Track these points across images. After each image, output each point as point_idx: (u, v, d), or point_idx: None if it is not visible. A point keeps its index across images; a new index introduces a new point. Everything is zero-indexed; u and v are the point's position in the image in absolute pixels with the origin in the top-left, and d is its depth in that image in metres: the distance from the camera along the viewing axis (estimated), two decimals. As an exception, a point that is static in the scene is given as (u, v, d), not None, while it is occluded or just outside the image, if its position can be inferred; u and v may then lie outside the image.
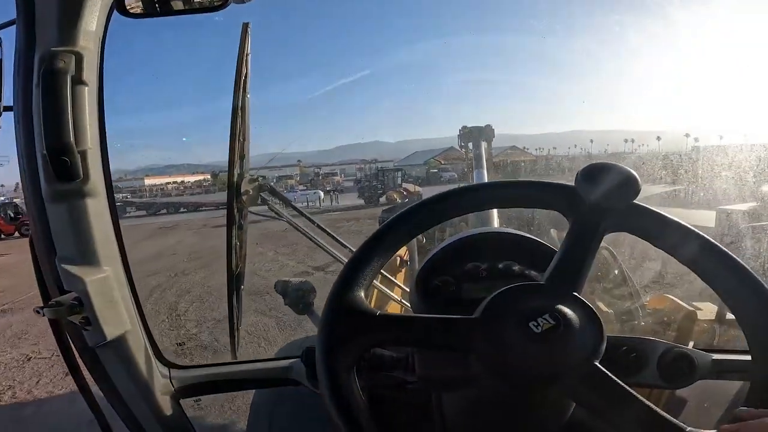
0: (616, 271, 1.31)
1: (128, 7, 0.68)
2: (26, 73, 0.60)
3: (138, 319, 0.75)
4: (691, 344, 0.74)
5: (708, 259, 0.51)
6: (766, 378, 0.47)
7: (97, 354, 0.70)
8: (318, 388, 0.49)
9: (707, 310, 1.14)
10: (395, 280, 1.13)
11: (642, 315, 1.18)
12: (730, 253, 0.51)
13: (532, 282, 0.52)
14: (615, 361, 0.53)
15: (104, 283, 0.67)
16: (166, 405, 0.79)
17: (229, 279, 0.92)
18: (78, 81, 0.61)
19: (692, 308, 1.15)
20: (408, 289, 1.02)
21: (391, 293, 1.16)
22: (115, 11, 0.66)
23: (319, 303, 0.83)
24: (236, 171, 0.93)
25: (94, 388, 0.75)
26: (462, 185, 0.60)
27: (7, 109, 0.62)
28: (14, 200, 15.75)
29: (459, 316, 0.49)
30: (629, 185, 0.52)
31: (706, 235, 0.52)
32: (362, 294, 0.52)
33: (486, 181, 1.82)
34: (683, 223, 0.53)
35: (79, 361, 0.72)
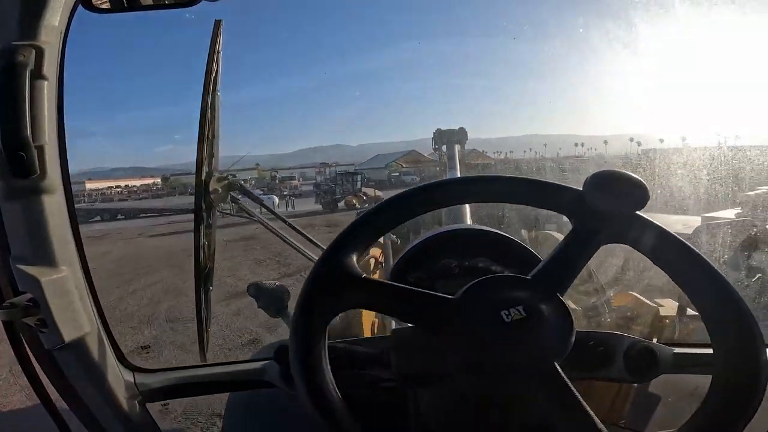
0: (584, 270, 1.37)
1: (94, 2, 0.66)
2: None
3: (98, 322, 0.73)
4: (654, 339, 0.75)
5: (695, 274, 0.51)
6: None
7: (55, 357, 0.67)
8: (292, 389, 0.50)
9: (669, 306, 1.18)
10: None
11: (608, 311, 1.20)
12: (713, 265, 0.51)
13: (519, 275, 0.53)
14: (583, 354, 0.54)
15: (61, 284, 0.64)
16: (131, 409, 0.76)
17: (197, 278, 0.90)
18: (37, 76, 0.60)
19: (655, 305, 1.19)
20: None
21: None
22: (80, 6, 0.64)
23: (294, 306, 0.83)
24: (204, 169, 0.92)
25: (55, 394, 0.71)
26: (482, 174, 0.59)
27: None
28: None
29: (440, 294, 0.50)
30: (634, 195, 0.51)
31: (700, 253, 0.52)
32: (353, 257, 0.52)
33: None
34: (684, 241, 0.52)
35: (37, 366, 0.69)
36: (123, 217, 18.33)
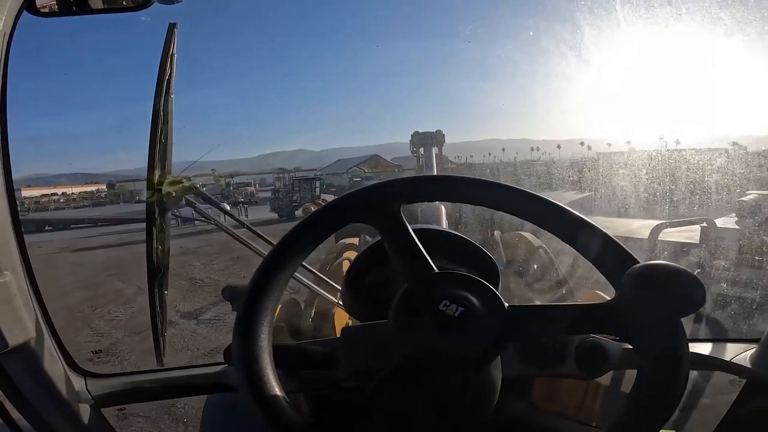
0: (552, 272, 1.41)
1: (39, 7, 0.65)
2: None
3: (45, 326, 0.71)
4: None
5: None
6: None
7: (1, 363, 0.65)
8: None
9: None
10: (331, 282, 1.14)
11: None
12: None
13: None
14: (537, 351, 0.57)
15: (4, 289, 0.63)
16: (85, 415, 0.75)
17: (150, 281, 0.90)
18: None
19: None
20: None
21: (329, 295, 1.12)
22: (25, 11, 0.64)
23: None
24: (156, 172, 0.91)
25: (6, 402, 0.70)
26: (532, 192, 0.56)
27: None
28: None
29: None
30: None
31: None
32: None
33: None
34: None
35: None
36: (51, 228, 15.95)
